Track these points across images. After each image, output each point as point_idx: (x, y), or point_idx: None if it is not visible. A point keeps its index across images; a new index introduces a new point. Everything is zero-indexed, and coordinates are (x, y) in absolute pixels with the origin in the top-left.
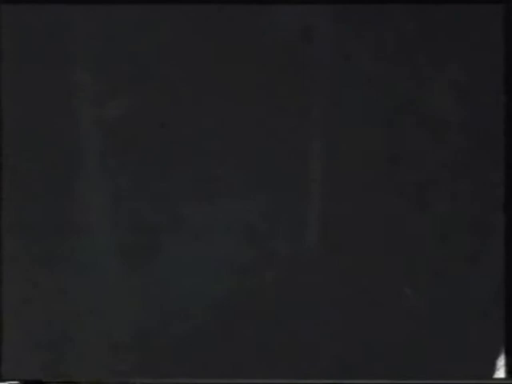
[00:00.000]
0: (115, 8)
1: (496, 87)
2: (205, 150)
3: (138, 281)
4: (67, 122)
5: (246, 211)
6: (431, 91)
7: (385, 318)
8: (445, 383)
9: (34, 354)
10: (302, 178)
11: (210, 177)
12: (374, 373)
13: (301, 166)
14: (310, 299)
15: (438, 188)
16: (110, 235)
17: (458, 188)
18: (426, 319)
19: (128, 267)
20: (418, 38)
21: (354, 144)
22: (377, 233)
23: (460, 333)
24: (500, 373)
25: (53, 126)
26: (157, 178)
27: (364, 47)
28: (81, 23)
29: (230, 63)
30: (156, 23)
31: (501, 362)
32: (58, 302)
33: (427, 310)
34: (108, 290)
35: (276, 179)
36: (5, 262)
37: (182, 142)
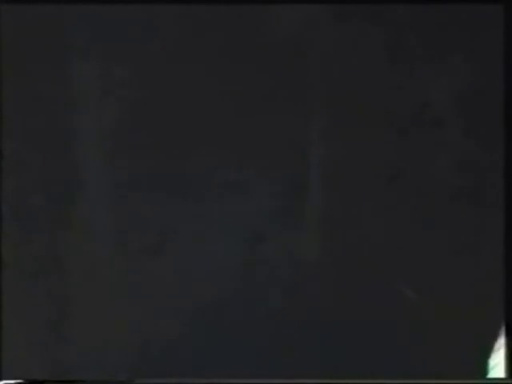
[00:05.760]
0: (115, 8)
1: (496, 87)
2: (204, 149)
3: (139, 281)
4: (67, 121)
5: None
6: (431, 91)
7: (385, 317)
8: (445, 383)
9: (34, 354)
10: (301, 178)
11: (211, 177)
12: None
13: (301, 165)
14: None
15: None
16: (111, 235)
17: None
18: (427, 319)
19: (129, 267)
20: (418, 38)
21: (354, 144)
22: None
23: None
24: (500, 353)
25: (53, 126)
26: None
27: (364, 47)
28: (80, 23)
29: (229, 63)
30: (156, 23)
31: (501, 341)
32: (57, 301)
33: (427, 310)
34: (108, 290)
35: (276, 179)
36: (5, 262)
37: (183, 142)
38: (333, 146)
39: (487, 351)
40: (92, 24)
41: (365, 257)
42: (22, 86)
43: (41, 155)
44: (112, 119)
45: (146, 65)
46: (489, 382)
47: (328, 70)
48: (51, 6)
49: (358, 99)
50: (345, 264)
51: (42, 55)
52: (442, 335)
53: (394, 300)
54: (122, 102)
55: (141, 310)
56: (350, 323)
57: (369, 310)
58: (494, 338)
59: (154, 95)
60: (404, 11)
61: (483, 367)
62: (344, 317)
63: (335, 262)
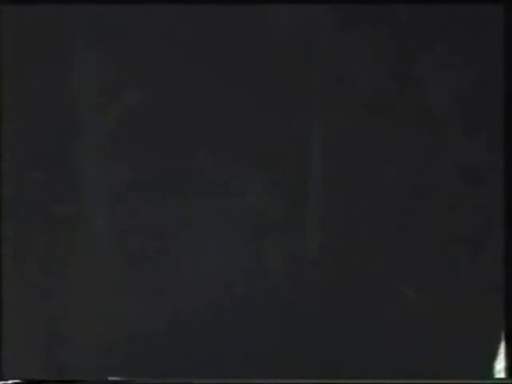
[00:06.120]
0: (115, 8)
1: (496, 87)
2: (204, 149)
3: (139, 281)
4: (67, 121)
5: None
6: (431, 90)
7: (385, 317)
8: (445, 383)
9: (34, 354)
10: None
11: (211, 177)
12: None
13: (301, 165)
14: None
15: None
16: (111, 235)
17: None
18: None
19: (129, 267)
20: (418, 38)
21: (354, 145)
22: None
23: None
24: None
25: (53, 126)
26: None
27: (363, 46)
28: (80, 23)
29: (230, 63)
30: (156, 23)
31: (500, 364)
32: (57, 302)
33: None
34: (108, 290)
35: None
36: (5, 261)
37: (183, 142)
38: (333, 146)
39: (493, 354)
40: (92, 24)
41: (365, 257)
42: (22, 86)
43: (41, 155)
44: (112, 119)
45: (146, 64)
46: (488, 382)
47: (328, 69)
48: (51, 6)
49: (358, 100)
50: (345, 264)
51: (42, 55)
52: (441, 335)
53: (394, 300)
54: (122, 102)
55: (141, 310)
56: (349, 323)
57: (369, 310)
58: (498, 341)
59: (154, 95)
60: (404, 11)
61: (490, 370)
62: (344, 317)
63: (335, 262)
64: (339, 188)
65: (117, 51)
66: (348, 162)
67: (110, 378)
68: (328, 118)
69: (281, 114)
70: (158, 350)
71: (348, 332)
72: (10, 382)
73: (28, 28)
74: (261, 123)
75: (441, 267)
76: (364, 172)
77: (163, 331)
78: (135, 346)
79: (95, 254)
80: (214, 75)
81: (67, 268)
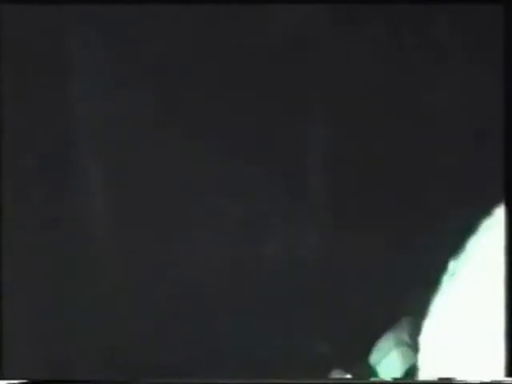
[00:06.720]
0: (115, 8)
1: (496, 87)
2: (203, 148)
3: (139, 280)
4: (67, 121)
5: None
6: (430, 91)
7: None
8: (445, 383)
9: (36, 354)
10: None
11: (210, 176)
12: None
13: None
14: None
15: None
16: (110, 234)
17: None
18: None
19: (129, 266)
20: (418, 38)
21: (354, 145)
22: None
23: None
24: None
25: (52, 126)
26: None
27: (362, 47)
28: (80, 23)
29: (229, 63)
30: (156, 23)
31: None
32: (58, 301)
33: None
34: (108, 289)
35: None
36: (4, 261)
37: (183, 139)
38: (333, 145)
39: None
40: (92, 24)
41: (366, 258)
42: (22, 86)
43: (41, 155)
44: (112, 119)
45: (146, 64)
46: (489, 381)
47: (328, 69)
48: (51, 6)
49: (358, 100)
50: (346, 265)
51: (42, 56)
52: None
53: (395, 301)
54: (121, 102)
55: (142, 310)
56: (349, 323)
57: (370, 310)
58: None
59: (153, 95)
60: (404, 11)
61: None
62: (344, 316)
63: (336, 263)
64: (340, 188)
65: (117, 51)
66: (348, 162)
67: (112, 378)
68: (328, 118)
69: (281, 113)
70: (159, 349)
71: (348, 331)
72: (11, 382)
73: (28, 28)
74: (260, 123)
75: (440, 267)
76: (364, 172)
77: (164, 331)
78: (136, 346)
79: (95, 254)
80: (213, 75)
81: (68, 268)
